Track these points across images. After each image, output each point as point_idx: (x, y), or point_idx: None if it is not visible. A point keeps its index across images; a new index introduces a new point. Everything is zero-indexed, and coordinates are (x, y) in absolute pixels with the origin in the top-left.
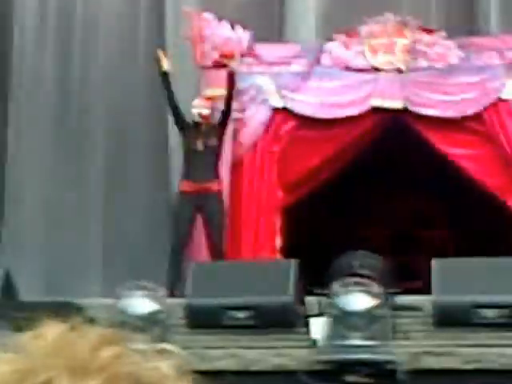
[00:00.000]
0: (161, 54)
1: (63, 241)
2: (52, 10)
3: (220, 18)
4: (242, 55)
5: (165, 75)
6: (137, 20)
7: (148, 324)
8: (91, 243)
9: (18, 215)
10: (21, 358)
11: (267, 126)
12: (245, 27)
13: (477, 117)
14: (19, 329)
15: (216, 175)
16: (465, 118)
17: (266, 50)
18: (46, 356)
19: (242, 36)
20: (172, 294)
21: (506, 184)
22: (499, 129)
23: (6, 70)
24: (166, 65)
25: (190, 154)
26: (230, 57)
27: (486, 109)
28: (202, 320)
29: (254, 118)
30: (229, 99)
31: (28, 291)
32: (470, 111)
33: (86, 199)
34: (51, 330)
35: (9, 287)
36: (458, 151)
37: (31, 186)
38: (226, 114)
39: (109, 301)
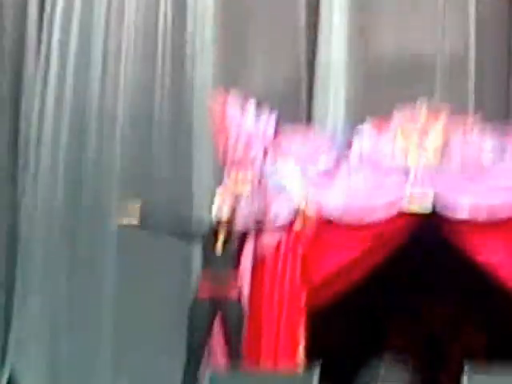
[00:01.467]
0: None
1: (71, 343)
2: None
3: (246, 96)
4: (266, 151)
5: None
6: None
7: None
8: (100, 344)
9: (25, 316)
10: None
11: (290, 226)
12: (271, 107)
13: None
14: None
15: (236, 280)
16: (499, 222)
17: (292, 144)
18: None
19: (266, 128)
20: None
21: None
22: None
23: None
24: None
25: (208, 257)
26: (306, 220)
27: None
28: None
29: (276, 217)
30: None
31: None
32: (504, 215)
33: (97, 295)
34: None
35: None
36: (489, 257)
37: (40, 282)
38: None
39: None
